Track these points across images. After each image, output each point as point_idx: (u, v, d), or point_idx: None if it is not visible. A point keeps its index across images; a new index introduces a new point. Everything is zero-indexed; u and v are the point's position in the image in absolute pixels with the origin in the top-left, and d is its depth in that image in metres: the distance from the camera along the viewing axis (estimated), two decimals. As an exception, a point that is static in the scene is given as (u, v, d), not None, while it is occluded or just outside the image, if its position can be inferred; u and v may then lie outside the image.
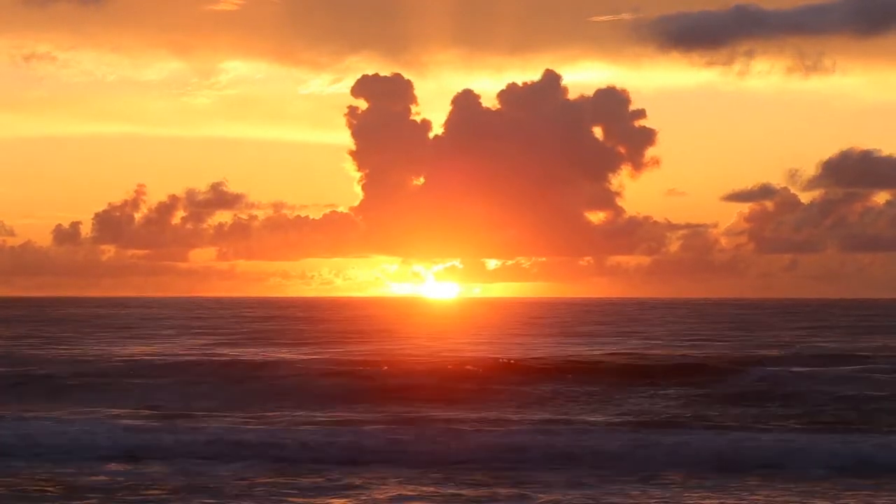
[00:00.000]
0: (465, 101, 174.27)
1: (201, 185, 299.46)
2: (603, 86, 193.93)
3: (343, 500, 23.64)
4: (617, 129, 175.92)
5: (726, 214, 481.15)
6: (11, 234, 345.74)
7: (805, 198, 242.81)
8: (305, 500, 23.80)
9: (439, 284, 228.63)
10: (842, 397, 40.57)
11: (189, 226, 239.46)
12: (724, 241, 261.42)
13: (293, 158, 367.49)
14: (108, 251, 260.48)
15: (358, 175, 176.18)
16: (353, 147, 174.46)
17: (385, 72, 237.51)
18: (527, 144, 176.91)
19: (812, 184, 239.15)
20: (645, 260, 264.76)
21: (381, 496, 23.94)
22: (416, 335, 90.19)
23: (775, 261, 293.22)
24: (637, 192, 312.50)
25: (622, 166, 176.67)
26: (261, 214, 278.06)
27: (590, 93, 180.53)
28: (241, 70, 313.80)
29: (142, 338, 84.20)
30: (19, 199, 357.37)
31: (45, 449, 28.49)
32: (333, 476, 25.80)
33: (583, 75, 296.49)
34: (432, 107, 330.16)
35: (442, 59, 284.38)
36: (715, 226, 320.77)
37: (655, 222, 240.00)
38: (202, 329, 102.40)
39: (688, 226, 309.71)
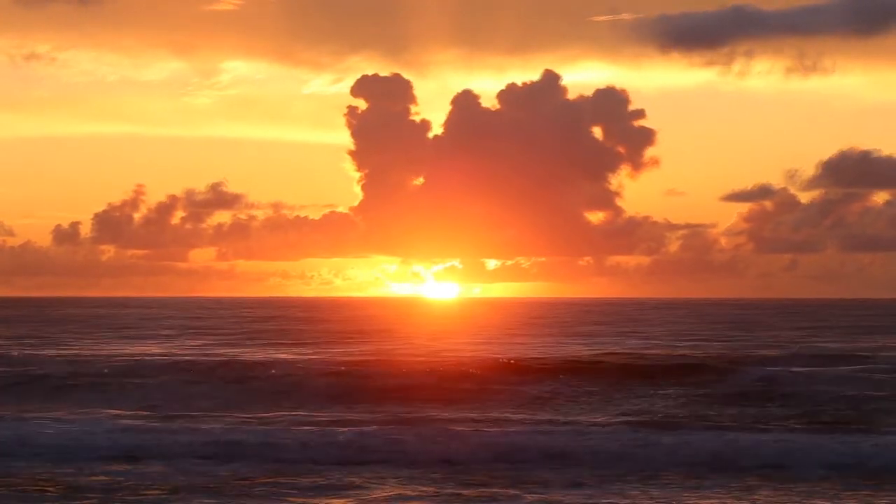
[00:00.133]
0: (465, 101, 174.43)
1: (200, 185, 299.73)
2: (603, 86, 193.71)
3: (343, 500, 23.64)
4: (616, 129, 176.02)
5: (725, 214, 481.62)
6: (11, 234, 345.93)
7: (804, 198, 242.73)
8: (305, 499, 23.80)
9: (439, 284, 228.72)
10: (842, 397, 40.56)
11: (188, 226, 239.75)
12: (723, 242, 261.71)
13: (293, 158, 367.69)
14: (108, 251, 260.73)
15: (357, 175, 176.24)
16: (353, 147, 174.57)
17: (386, 72, 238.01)
18: (526, 144, 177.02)
19: (811, 184, 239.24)
20: (644, 260, 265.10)
21: (381, 496, 23.94)
22: (415, 335, 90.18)
23: (775, 261, 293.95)
24: (636, 192, 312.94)
25: (621, 166, 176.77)
26: (260, 214, 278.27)
27: (589, 93, 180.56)
28: (242, 70, 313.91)
29: (141, 338, 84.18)
30: (19, 199, 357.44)
31: (45, 449, 28.47)
32: (333, 476, 25.79)
33: (583, 75, 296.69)
34: (433, 107, 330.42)
35: (443, 58, 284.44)
36: (714, 226, 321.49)
37: (655, 222, 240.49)
38: (202, 329, 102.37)
39: (687, 226, 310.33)
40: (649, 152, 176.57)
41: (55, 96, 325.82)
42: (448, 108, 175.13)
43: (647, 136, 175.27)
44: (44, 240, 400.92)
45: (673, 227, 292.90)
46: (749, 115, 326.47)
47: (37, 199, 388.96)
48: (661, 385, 44.27)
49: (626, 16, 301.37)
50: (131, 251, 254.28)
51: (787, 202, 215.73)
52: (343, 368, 48.39)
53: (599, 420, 35.32)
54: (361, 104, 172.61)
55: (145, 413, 36.16)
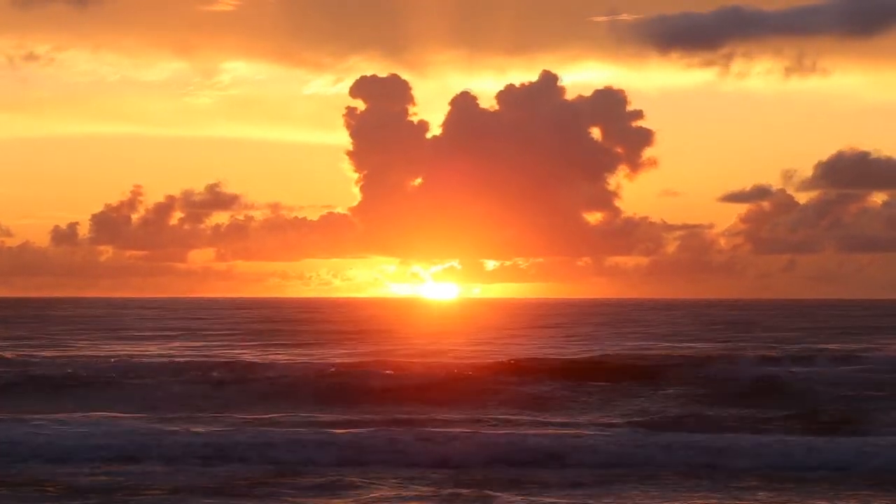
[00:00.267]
0: (464, 102, 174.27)
1: (199, 185, 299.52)
2: (601, 86, 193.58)
3: (342, 501, 23.65)
4: (614, 129, 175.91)
5: (723, 215, 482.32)
6: (9, 234, 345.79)
7: (802, 198, 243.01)
8: (304, 500, 23.81)
9: (438, 285, 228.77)
10: (841, 397, 40.60)
11: (187, 226, 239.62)
12: (721, 242, 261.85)
13: (292, 159, 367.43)
14: (107, 252, 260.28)
15: (356, 176, 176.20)
16: (351, 148, 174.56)
17: (386, 72, 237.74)
18: (525, 145, 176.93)
19: (808, 184, 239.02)
20: (643, 260, 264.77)
21: (380, 496, 23.94)
22: (414, 336, 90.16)
23: (773, 261, 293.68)
24: (634, 192, 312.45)
25: (620, 167, 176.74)
26: (259, 215, 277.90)
27: (588, 93, 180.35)
28: (242, 70, 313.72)
29: (141, 339, 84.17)
30: (17, 199, 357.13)
31: (44, 450, 28.45)
32: (332, 477, 25.77)
33: (582, 75, 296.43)
34: (433, 107, 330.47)
35: (443, 59, 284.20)
36: (712, 226, 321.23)
37: (652, 223, 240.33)
38: (200, 330, 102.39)
39: (684, 226, 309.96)
40: (647, 153, 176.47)
41: (54, 96, 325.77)
42: (447, 108, 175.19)
43: (645, 137, 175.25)
44: (42, 240, 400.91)
45: (670, 227, 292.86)
46: (747, 115, 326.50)
47: (35, 200, 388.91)
48: (659, 385, 44.27)
49: (625, 16, 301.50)
50: (130, 252, 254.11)
51: (784, 203, 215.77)
52: (341, 370, 48.40)
53: (598, 420, 35.35)
54: (360, 105, 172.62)
55: (144, 414, 36.19)
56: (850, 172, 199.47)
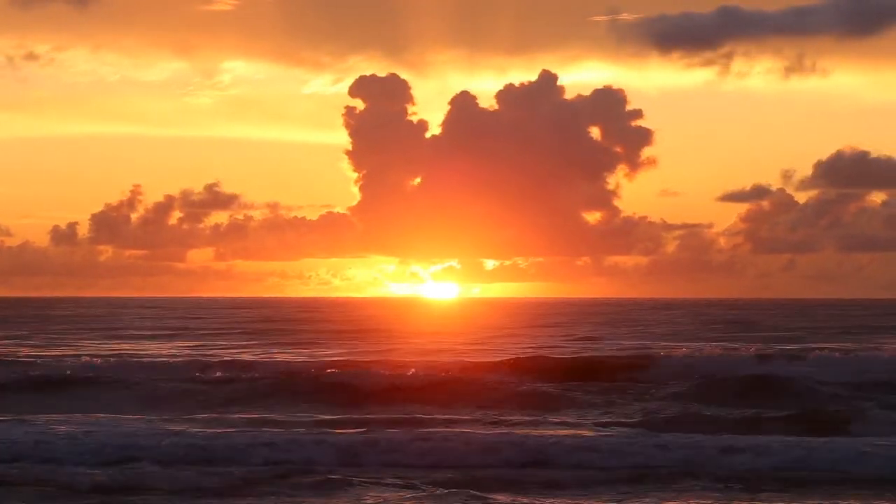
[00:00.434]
0: (463, 102, 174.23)
1: (198, 185, 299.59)
2: (601, 86, 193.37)
3: (340, 501, 23.66)
4: (614, 129, 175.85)
5: (722, 215, 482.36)
6: (9, 234, 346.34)
7: (801, 198, 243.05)
8: (303, 499, 23.83)
9: (437, 285, 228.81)
10: (841, 397, 40.56)
11: (186, 226, 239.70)
12: (720, 242, 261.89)
13: (291, 159, 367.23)
14: (106, 251, 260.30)
15: (355, 175, 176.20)
16: (350, 147, 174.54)
17: (386, 72, 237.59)
18: (524, 144, 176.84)
19: (807, 184, 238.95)
20: (642, 260, 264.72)
21: (378, 496, 23.95)
22: (413, 335, 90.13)
23: (772, 261, 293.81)
24: (633, 192, 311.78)
25: (619, 166, 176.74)
26: (258, 215, 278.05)
27: (588, 93, 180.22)
28: (242, 70, 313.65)
29: (140, 338, 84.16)
30: (17, 199, 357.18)
31: (43, 450, 28.42)
32: (330, 476, 25.78)
33: (582, 75, 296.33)
34: (432, 107, 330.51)
35: (443, 59, 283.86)
36: (711, 226, 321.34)
37: (651, 222, 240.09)
38: (199, 329, 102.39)
39: (684, 226, 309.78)
40: (647, 152, 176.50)
41: (54, 96, 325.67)
42: (446, 108, 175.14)
43: (644, 136, 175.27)
44: (42, 240, 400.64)
45: (670, 227, 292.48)
46: (747, 115, 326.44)
47: (35, 200, 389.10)
48: (658, 385, 44.23)
49: (625, 16, 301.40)
50: (129, 251, 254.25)
51: (784, 202, 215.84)
52: (339, 369, 48.37)
53: (597, 420, 35.34)
54: (359, 104, 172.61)
55: (142, 414, 36.19)
56: (849, 172, 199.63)
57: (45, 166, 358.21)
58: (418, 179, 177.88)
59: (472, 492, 24.28)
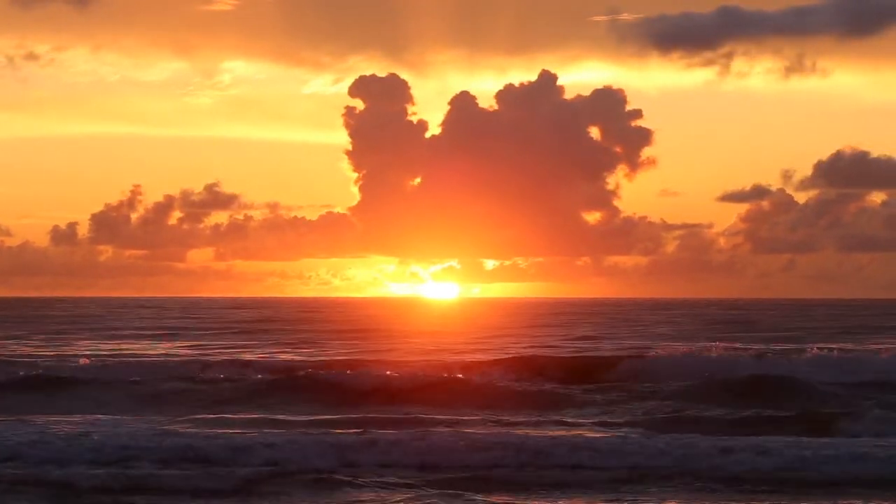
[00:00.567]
0: (463, 102, 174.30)
1: (198, 185, 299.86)
2: (601, 86, 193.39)
3: (337, 501, 23.59)
4: (613, 129, 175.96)
5: (722, 215, 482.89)
6: (9, 234, 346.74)
7: (801, 198, 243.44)
8: (300, 500, 23.76)
9: (437, 285, 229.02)
10: (841, 398, 40.47)
11: (186, 226, 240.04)
12: (720, 242, 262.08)
13: (291, 159, 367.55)
14: (106, 251, 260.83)
15: (355, 175, 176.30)
16: (350, 147, 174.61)
17: (386, 72, 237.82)
18: (523, 144, 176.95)
19: (807, 184, 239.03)
20: (642, 260, 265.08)
21: (375, 497, 23.87)
22: (412, 335, 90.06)
23: (772, 261, 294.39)
24: (633, 192, 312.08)
25: (619, 166, 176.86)
26: (257, 215, 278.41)
27: (587, 93, 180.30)
28: (242, 70, 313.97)
29: (138, 338, 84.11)
30: (17, 199, 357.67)
31: (40, 450, 28.32)
32: (327, 476, 25.73)
33: (582, 75, 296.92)
34: (433, 106, 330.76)
35: (443, 59, 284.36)
36: (710, 226, 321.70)
37: (651, 222, 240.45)
38: (197, 329, 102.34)
39: (684, 226, 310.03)
40: (646, 152, 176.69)
41: (54, 96, 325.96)
42: (446, 108, 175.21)
43: (644, 137, 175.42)
44: (42, 240, 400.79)
45: (669, 227, 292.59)
46: (747, 115, 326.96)
47: (35, 200, 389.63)
48: (658, 385, 44.08)
49: (625, 16, 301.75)
50: (129, 251, 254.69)
51: (784, 202, 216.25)
52: (337, 369, 48.25)
53: (595, 420, 35.25)
54: (359, 104, 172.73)
55: (140, 414, 36.11)
56: (849, 172, 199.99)
57: (45, 166, 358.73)
58: (418, 179, 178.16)
59: (470, 492, 24.22)
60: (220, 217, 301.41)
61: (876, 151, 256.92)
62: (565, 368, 50.51)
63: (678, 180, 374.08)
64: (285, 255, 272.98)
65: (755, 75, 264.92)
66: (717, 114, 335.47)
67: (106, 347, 70.35)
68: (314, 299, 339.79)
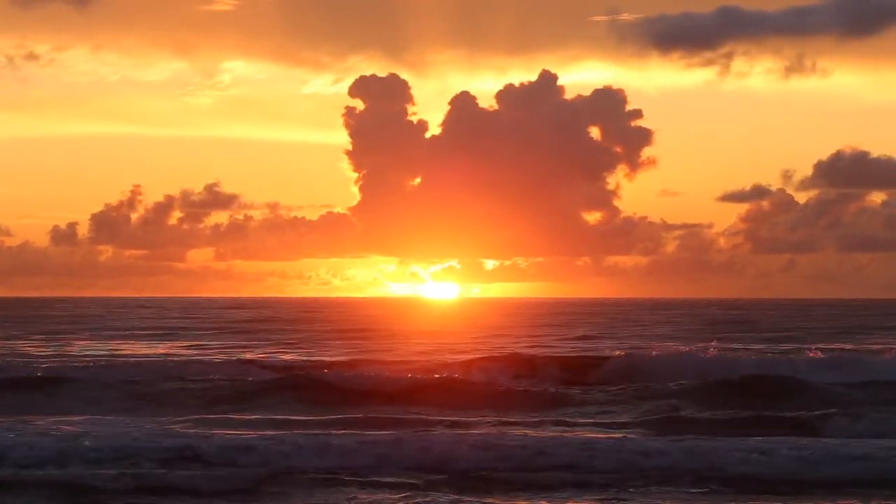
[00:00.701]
0: (463, 102, 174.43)
1: (198, 185, 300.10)
2: (601, 86, 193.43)
3: (337, 502, 23.58)
4: (614, 129, 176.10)
5: (722, 215, 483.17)
6: (9, 234, 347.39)
7: (801, 198, 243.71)
8: (299, 501, 23.74)
9: (437, 285, 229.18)
10: (841, 398, 40.41)
11: (186, 226, 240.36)
12: (720, 242, 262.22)
13: (292, 159, 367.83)
14: (106, 251, 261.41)
15: (355, 175, 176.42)
16: (350, 147, 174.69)
17: (386, 72, 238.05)
18: (523, 144, 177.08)
19: (807, 184, 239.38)
20: (642, 260, 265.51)
21: (375, 498, 23.86)
22: (412, 335, 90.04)
23: (772, 261, 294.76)
24: (633, 192, 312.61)
25: (619, 166, 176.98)
26: (258, 215, 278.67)
27: (588, 93, 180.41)
28: (242, 70, 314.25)
29: (136, 338, 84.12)
30: (17, 199, 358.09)
31: (38, 451, 28.29)
32: (327, 477, 25.72)
33: (582, 75, 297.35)
34: (433, 107, 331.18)
35: (443, 59, 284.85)
36: (710, 226, 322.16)
37: (651, 222, 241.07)
38: (197, 330, 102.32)
39: (684, 226, 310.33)
40: (647, 152, 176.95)
41: (54, 96, 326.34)
42: (446, 108, 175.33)
43: (644, 137, 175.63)
44: (42, 240, 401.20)
45: (669, 227, 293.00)
46: (747, 115, 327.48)
47: (35, 200, 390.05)
48: (657, 385, 44.02)
49: (625, 16, 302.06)
50: (129, 251, 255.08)
51: (784, 202, 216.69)
52: (334, 369, 48.28)
53: (593, 421, 35.24)
54: (359, 104, 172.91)
55: (136, 415, 36.08)
56: (849, 172, 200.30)
57: (45, 166, 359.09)
58: (418, 179, 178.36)
59: (471, 492, 24.23)
60: (220, 217, 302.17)
61: (876, 151, 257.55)
62: (564, 368, 50.52)
63: (678, 180, 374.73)
64: (285, 255, 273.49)
65: (755, 75, 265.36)
66: (717, 114, 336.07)
67: (105, 347, 70.38)
68: (314, 299, 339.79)
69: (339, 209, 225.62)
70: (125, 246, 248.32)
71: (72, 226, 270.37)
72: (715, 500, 24.05)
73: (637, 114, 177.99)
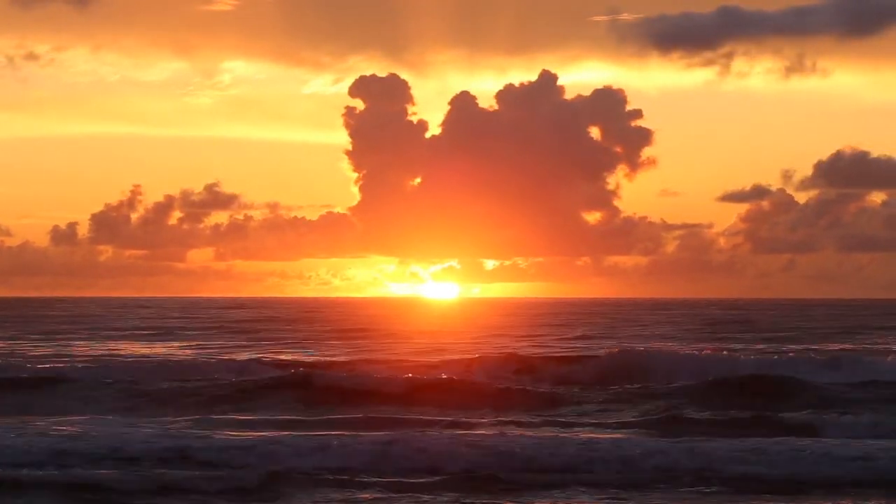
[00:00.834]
0: (463, 102, 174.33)
1: (198, 185, 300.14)
2: (601, 86, 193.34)
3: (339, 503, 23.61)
4: (614, 129, 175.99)
5: (722, 215, 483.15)
6: (9, 234, 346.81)
7: (801, 198, 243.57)
8: (304, 501, 23.74)
9: (437, 285, 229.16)
10: (841, 398, 40.39)
11: (186, 226, 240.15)
12: (720, 242, 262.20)
13: (292, 159, 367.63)
14: (106, 251, 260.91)
15: (355, 175, 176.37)
16: (350, 147, 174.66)
17: (386, 72, 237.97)
18: (523, 144, 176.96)
19: (807, 184, 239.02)
20: (642, 260, 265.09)
21: (372, 498, 23.87)
22: (412, 335, 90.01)
23: (772, 261, 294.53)
24: (633, 192, 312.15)
25: (619, 166, 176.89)
26: (258, 215, 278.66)
27: (588, 93, 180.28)
28: (242, 70, 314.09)
29: (134, 339, 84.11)
30: (17, 199, 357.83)
31: (35, 451, 28.29)
32: (323, 478, 25.72)
33: (582, 75, 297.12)
34: (433, 107, 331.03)
35: (443, 59, 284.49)
36: (710, 226, 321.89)
37: (651, 222, 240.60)
38: (196, 330, 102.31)
39: (684, 226, 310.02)
40: (647, 152, 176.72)
41: (54, 96, 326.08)
42: (446, 108, 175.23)
43: (644, 137, 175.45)
44: (42, 240, 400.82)
45: (669, 227, 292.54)
46: (747, 115, 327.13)
47: (35, 200, 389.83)
48: (656, 385, 44.01)
49: (625, 16, 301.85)
50: (129, 251, 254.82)
51: (784, 202, 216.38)
52: (334, 370, 48.23)
53: (591, 422, 35.21)
54: (359, 104, 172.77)
55: (134, 415, 36.07)
56: (849, 172, 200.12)
57: (45, 166, 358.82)
58: (418, 179, 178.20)
59: (471, 493, 24.24)
60: (220, 217, 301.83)
61: (876, 151, 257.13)
62: (562, 368, 50.48)
63: (678, 180, 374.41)
64: (285, 255, 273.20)
65: (755, 75, 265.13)
66: (717, 114, 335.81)
67: (105, 347, 70.37)
68: (314, 299, 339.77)
69: (339, 209, 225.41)
70: (125, 246, 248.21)
71: (72, 226, 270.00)
72: (715, 500, 24.05)
73: (637, 114, 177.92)
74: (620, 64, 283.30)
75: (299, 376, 44.48)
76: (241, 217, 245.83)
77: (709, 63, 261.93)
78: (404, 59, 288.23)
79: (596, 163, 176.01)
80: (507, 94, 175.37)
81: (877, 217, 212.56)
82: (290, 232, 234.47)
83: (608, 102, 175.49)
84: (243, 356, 59.67)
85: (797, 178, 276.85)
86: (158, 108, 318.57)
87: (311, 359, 57.44)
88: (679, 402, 39.69)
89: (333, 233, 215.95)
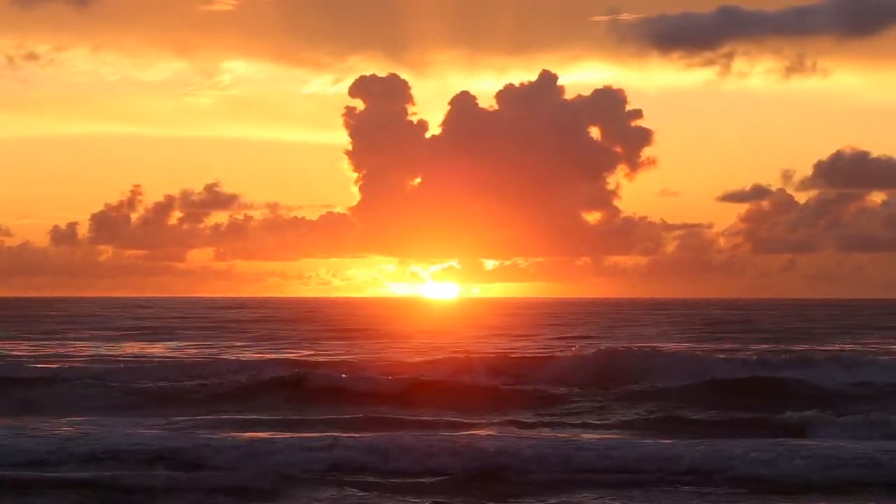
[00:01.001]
0: (463, 102, 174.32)
1: (198, 185, 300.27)
2: (601, 86, 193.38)
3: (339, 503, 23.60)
4: (614, 129, 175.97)
5: (722, 215, 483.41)
6: (9, 234, 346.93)
7: (801, 198, 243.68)
8: (303, 501, 23.74)
9: (437, 285, 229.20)
10: (840, 398, 40.39)
11: (186, 226, 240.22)
12: (720, 242, 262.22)
13: (292, 159, 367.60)
14: (106, 251, 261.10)
15: (355, 175, 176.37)
16: (350, 147, 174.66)
17: (386, 72, 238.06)
18: (524, 144, 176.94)
19: (807, 184, 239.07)
20: (642, 260, 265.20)
21: (368, 499, 23.86)
22: (412, 336, 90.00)
23: (772, 261, 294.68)
24: (633, 192, 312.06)
25: (619, 166, 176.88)
26: (258, 215, 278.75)
27: (588, 93, 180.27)
28: (242, 70, 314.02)
29: (137, 339, 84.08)
30: (17, 199, 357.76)
31: (34, 452, 28.31)
32: (330, 479, 25.74)
33: (582, 75, 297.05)
34: (433, 106, 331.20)
35: (443, 59, 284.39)
36: (710, 226, 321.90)
37: (651, 222, 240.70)
38: (198, 329, 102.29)
39: (684, 226, 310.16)
40: (647, 152, 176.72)
41: (54, 96, 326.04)
42: (446, 108, 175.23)
43: (644, 137, 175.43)
44: (42, 240, 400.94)
45: (669, 227, 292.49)
46: (747, 115, 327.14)
47: (35, 200, 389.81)
48: (655, 386, 43.99)
49: (625, 16, 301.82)
50: (129, 251, 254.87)
51: (784, 202, 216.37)
52: (330, 370, 48.19)
53: (589, 422, 35.20)
54: (359, 104, 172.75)
55: (131, 415, 36.06)
56: (849, 172, 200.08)
57: (45, 166, 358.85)
58: (418, 179, 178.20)
59: (471, 493, 24.24)
60: (220, 217, 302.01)
61: (876, 151, 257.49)
62: (561, 368, 50.41)
63: (678, 180, 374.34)
64: (285, 255, 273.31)
65: (755, 75, 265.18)
66: (717, 114, 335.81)
67: (105, 347, 70.35)
68: (314, 299, 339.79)
69: (339, 209, 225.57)
70: (125, 246, 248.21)
71: (72, 226, 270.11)
72: (715, 500, 24.04)
73: (637, 114, 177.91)
74: (620, 64, 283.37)
75: (299, 376, 44.43)
76: (241, 217, 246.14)
77: (709, 63, 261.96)
78: (404, 59, 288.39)
79: (596, 163, 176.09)
80: (507, 94, 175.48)
81: (877, 217, 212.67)
82: (290, 232, 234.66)
83: (608, 102, 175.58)
84: (243, 356, 59.67)
85: (797, 178, 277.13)
86: (158, 108, 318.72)
87: (311, 359, 57.38)
88: (679, 402, 39.69)
89: (333, 233, 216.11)
